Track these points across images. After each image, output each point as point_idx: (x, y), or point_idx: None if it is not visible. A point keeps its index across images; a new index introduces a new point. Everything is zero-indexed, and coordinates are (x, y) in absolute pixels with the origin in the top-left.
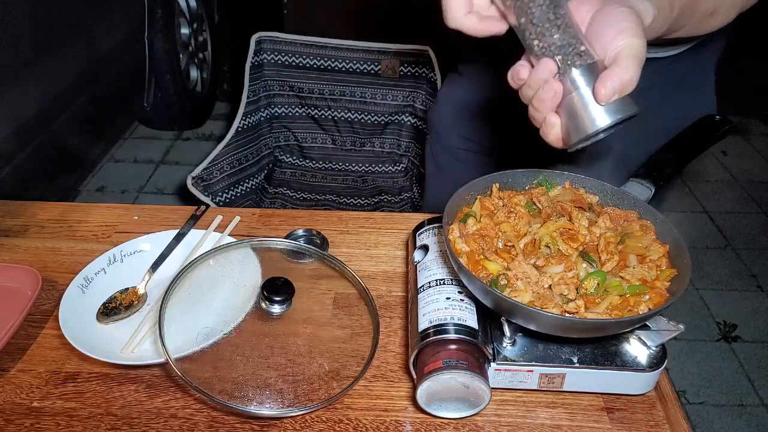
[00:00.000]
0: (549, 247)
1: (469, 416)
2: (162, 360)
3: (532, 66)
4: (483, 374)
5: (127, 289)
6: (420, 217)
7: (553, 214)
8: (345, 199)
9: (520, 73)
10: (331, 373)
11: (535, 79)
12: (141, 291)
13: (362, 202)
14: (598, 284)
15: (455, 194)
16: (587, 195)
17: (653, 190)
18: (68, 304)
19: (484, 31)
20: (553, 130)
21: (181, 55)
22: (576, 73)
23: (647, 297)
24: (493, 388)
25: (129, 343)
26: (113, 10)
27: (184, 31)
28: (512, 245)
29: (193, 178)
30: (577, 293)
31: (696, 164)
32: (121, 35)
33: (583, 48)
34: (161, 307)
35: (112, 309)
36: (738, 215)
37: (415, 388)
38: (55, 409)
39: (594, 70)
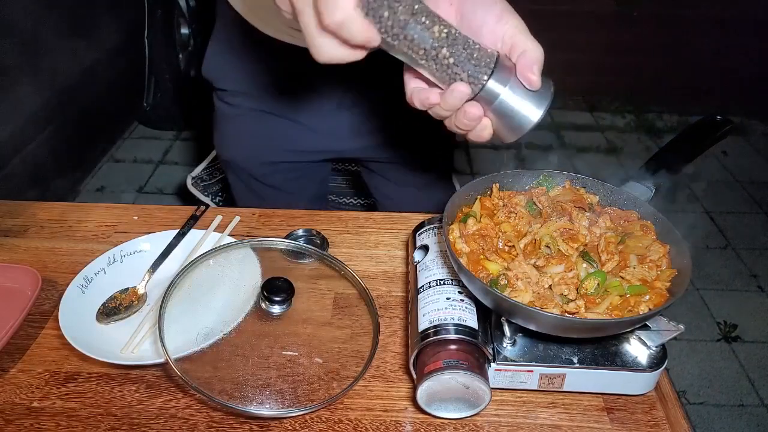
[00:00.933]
0: (549, 247)
1: (469, 416)
2: (162, 360)
3: (434, 85)
4: (483, 374)
5: (126, 289)
6: (420, 217)
7: (553, 214)
8: (345, 199)
9: (429, 99)
10: (331, 374)
11: (450, 104)
12: (141, 291)
13: (362, 202)
14: (598, 284)
15: (455, 194)
16: (587, 195)
17: (653, 190)
18: (68, 304)
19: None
20: (486, 131)
21: (181, 55)
22: (491, 84)
23: (647, 297)
24: (493, 388)
25: (129, 343)
26: (113, 10)
27: (184, 31)
28: (512, 245)
29: (193, 178)
30: (578, 293)
31: (696, 164)
32: (121, 35)
33: (481, 52)
34: (161, 307)
35: (112, 309)
36: (738, 215)
37: (415, 388)
38: (55, 409)
39: (502, 67)
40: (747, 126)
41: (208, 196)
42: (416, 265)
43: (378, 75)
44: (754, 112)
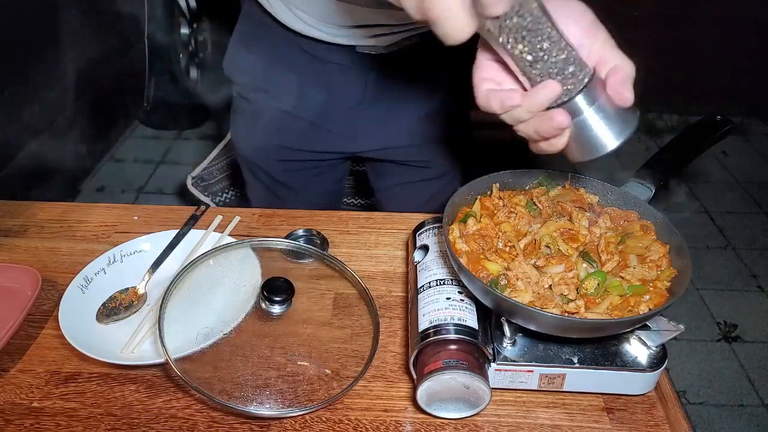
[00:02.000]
0: (549, 247)
1: (469, 416)
2: (162, 360)
3: (520, 85)
4: (483, 374)
5: (127, 289)
6: (420, 217)
7: (553, 214)
8: (345, 198)
9: (513, 99)
10: (331, 374)
11: (536, 104)
12: (141, 291)
13: (362, 202)
14: (598, 284)
15: (455, 194)
16: (587, 195)
17: (653, 190)
18: (68, 304)
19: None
20: (560, 142)
21: (181, 55)
22: (582, 96)
23: (647, 297)
24: (493, 388)
25: (129, 343)
26: (113, 10)
27: (184, 31)
28: (512, 245)
29: (193, 178)
30: (578, 293)
31: (696, 164)
32: (121, 35)
33: (578, 61)
34: (161, 307)
35: (112, 309)
36: (738, 215)
37: (415, 388)
38: (55, 409)
39: (595, 81)
40: (747, 126)
41: (208, 196)
42: (416, 265)
43: (397, 75)
44: (754, 112)
